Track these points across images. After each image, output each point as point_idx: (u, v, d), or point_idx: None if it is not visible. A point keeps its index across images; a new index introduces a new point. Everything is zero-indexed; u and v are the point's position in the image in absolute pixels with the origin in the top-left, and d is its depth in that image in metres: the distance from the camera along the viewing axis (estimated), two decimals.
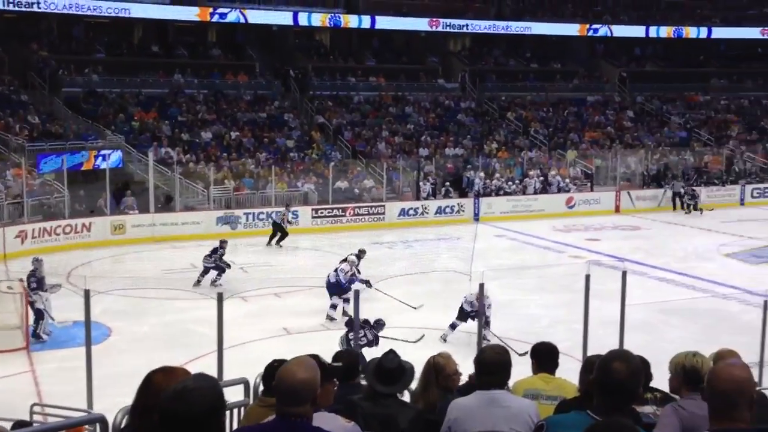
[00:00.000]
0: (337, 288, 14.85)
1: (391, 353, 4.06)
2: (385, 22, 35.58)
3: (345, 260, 15.69)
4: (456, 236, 23.71)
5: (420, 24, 36.21)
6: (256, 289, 16.77)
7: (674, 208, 28.81)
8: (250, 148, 28.53)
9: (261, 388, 4.80)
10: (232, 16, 33.31)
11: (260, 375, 4.56)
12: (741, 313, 14.94)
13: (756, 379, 10.58)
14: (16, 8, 29.24)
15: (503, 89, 37.05)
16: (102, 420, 3.87)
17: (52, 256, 18.56)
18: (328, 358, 4.60)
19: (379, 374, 3.94)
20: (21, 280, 13.82)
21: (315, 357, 3.24)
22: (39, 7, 29.54)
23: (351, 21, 35.21)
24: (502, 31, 37.71)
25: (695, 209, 27.91)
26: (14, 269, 16.53)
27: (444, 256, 21.81)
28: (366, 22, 35.33)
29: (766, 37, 40.73)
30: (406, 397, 4.64)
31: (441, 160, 29.77)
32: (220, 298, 8.25)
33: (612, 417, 2.85)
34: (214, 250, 17.15)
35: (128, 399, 3.64)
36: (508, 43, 39.88)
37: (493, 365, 3.82)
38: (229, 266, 17.20)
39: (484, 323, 12.06)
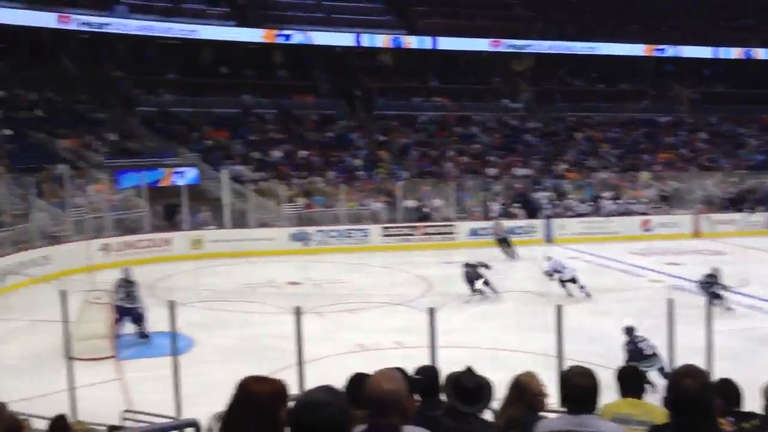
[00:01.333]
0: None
1: (469, 371, 3.92)
2: (446, 43, 35.60)
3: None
4: (528, 257, 23.32)
5: (481, 44, 36.11)
6: (330, 304, 16.61)
7: None
8: (319, 167, 28.68)
9: None
10: (297, 37, 33.67)
11: (344, 387, 4.47)
12: None
13: None
14: (89, 29, 30.04)
15: (570, 109, 36.57)
16: (195, 424, 3.82)
17: (135, 270, 18.84)
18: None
19: (459, 392, 3.83)
20: (108, 290, 14.01)
21: (399, 370, 3.21)
22: (111, 29, 30.28)
23: (413, 42, 35.37)
24: (566, 52, 37.38)
25: None
26: (100, 280, 16.75)
27: (517, 276, 21.44)
28: (427, 42, 35.42)
29: None
30: (488, 415, 4.50)
31: (509, 180, 29.46)
32: (298, 312, 8.17)
33: None
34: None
35: (213, 408, 3.57)
36: (573, 63, 39.48)
37: (583, 393, 3.57)
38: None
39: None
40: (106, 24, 30.09)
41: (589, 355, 11.95)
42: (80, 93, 29.63)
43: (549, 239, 26.08)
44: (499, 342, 14.05)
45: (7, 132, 25.04)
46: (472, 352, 13.22)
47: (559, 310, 9.02)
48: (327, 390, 2.49)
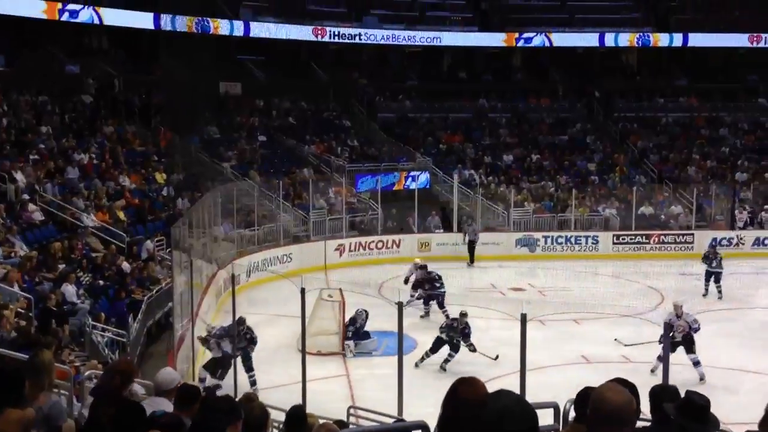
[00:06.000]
0: None
1: (696, 394, 3.56)
2: (698, 40, 33.56)
3: None
4: None
5: (740, 40, 33.55)
6: (553, 313, 16.43)
7: None
8: (551, 171, 28.43)
9: (572, 414, 4.68)
10: (538, 40, 33.55)
11: (571, 401, 4.40)
12: None
13: None
14: (341, 40, 32.19)
15: None
16: (424, 426, 3.99)
17: (365, 269, 20.03)
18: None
19: (688, 412, 3.45)
20: (340, 289, 15.01)
21: (622, 381, 3.04)
22: (360, 39, 32.23)
23: (661, 40, 33.73)
24: None
25: None
26: (333, 279, 18.03)
27: (762, 291, 19.86)
28: (678, 40, 33.62)
29: None
30: None
31: (761, 186, 27.21)
32: (524, 319, 8.09)
33: None
34: None
35: (434, 409, 3.78)
36: None
37: None
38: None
39: None
40: (357, 34, 32.09)
41: None
42: (328, 101, 31.82)
43: None
44: (740, 362, 13.28)
45: (262, 138, 27.62)
46: (708, 372, 12.53)
47: None
48: (509, 395, 2.35)
